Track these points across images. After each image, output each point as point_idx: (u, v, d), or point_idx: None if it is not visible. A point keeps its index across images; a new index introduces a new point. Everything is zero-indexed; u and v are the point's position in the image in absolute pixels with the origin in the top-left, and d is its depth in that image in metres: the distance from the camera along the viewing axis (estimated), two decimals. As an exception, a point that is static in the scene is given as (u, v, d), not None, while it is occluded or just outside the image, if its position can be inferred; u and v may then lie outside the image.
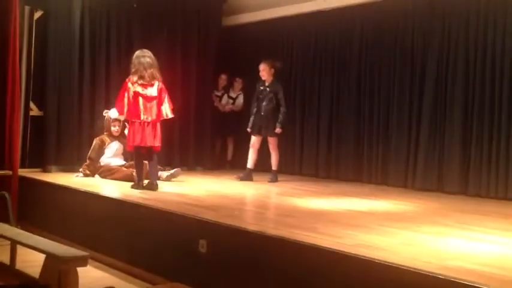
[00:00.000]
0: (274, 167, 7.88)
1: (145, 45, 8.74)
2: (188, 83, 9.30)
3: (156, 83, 6.53)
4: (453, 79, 7.31)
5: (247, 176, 7.83)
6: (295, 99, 9.21)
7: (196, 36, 9.42)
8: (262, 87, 7.85)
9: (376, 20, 8.18)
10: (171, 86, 8.92)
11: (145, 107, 6.44)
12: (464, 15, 7.25)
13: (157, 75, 6.54)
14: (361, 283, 3.60)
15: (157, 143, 6.56)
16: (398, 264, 3.44)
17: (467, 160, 7.15)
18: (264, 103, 7.77)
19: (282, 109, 7.70)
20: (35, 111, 7.92)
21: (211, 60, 9.64)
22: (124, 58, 8.54)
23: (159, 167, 7.49)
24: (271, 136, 7.79)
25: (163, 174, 7.51)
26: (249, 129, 7.95)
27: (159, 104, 6.53)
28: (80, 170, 7.54)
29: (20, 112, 7.52)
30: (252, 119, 7.91)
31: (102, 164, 7.55)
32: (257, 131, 7.87)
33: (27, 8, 7.80)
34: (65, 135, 8.05)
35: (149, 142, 6.48)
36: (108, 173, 7.42)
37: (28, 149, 7.81)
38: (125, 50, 8.56)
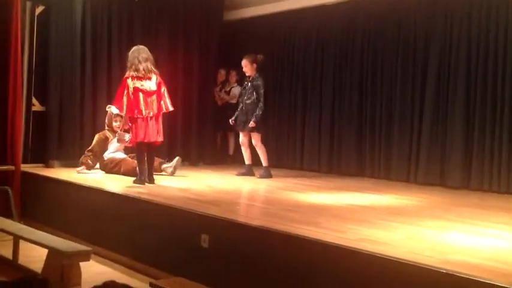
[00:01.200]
0: (264, 163, 7.76)
1: (146, 39, 8.78)
2: (190, 77, 9.30)
3: (154, 77, 6.57)
4: (455, 73, 7.30)
5: (249, 172, 7.83)
6: (296, 94, 9.20)
7: (198, 30, 9.41)
8: (246, 82, 7.85)
9: (378, 15, 8.16)
10: (172, 81, 8.96)
11: (146, 102, 6.46)
12: (467, 8, 7.23)
13: (153, 68, 6.58)
14: (363, 277, 3.60)
15: (160, 138, 6.60)
16: (401, 259, 3.45)
17: (470, 154, 7.14)
18: (245, 98, 7.77)
19: (260, 104, 7.60)
20: (37, 106, 7.93)
21: (213, 55, 9.62)
22: (125, 53, 8.49)
23: (160, 160, 7.52)
24: (249, 131, 7.72)
25: (168, 169, 7.52)
26: (231, 121, 7.91)
27: (159, 97, 6.57)
28: (81, 160, 7.45)
29: (22, 107, 7.52)
30: (236, 113, 7.89)
31: (105, 159, 7.55)
32: (239, 126, 7.83)
33: (28, 3, 7.79)
34: (67, 130, 8.05)
35: (152, 137, 6.51)
36: (112, 164, 7.41)
37: (30, 144, 7.81)
38: (126, 44, 8.53)
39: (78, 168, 7.45)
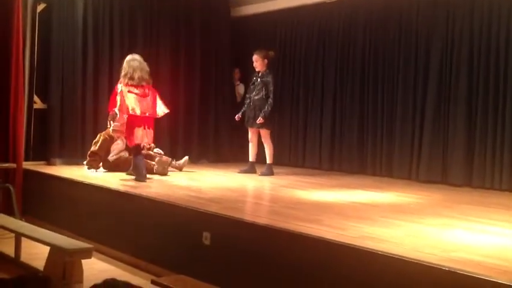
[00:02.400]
0: (268, 160, 7.73)
1: (148, 37, 8.81)
2: (192, 74, 9.29)
3: (147, 87, 6.74)
4: (457, 71, 7.28)
5: (251, 169, 7.81)
6: (298, 91, 9.19)
7: (199, 27, 9.38)
8: (254, 78, 7.79)
9: (379, 12, 8.14)
10: (174, 78, 8.98)
11: (140, 103, 6.58)
12: (468, 4, 7.21)
13: (147, 78, 6.72)
14: (365, 275, 3.60)
15: (150, 141, 6.91)
16: (403, 256, 3.44)
17: (472, 152, 7.13)
18: (253, 93, 7.72)
19: (269, 100, 7.55)
20: (38, 104, 7.93)
21: (216, 52, 9.61)
22: (127, 50, 8.52)
23: (169, 159, 7.73)
24: (258, 127, 7.68)
25: (180, 166, 7.87)
26: (236, 117, 7.87)
27: (153, 104, 6.72)
28: (90, 164, 7.45)
29: (24, 105, 7.52)
30: (243, 109, 7.86)
31: (112, 159, 7.53)
32: (248, 122, 7.80)
33: (30, 1, 7.80)
34: (69, 127, 8.05)
35: (145, 140, 6.73)
36: (127, 163, 7.41)
37: (32, 142, 7.82)
38: (128, 42, 8.56)
39: (92, 170, 7.43)
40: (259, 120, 7.54)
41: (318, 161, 8.86)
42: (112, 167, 7.45)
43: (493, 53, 6.96)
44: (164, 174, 7.38)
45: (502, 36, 6.89)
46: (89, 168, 7.42)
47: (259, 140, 7.82)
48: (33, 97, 7.84)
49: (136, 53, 8.38)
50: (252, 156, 7.88)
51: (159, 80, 8.88)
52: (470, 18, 7.19)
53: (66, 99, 8.05)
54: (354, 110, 8.41)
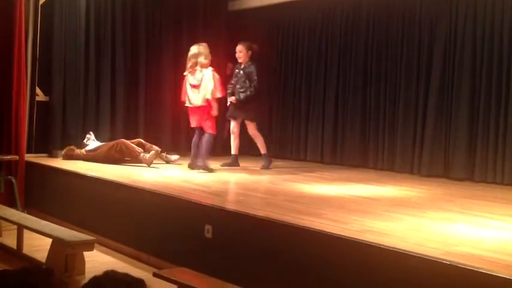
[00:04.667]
0: (262, 150, 7.61)
1: (150, 30, 8.78)
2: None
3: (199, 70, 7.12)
4: (460, 65, 7.25)
5: (234, 162, 7.63)
6: (300, 85, 9.17)
7: (202, 20, 9.36)
8: (237, 70, 7.61)
9: (382, 5, 8.11)
10: (176, 71, 8.95)
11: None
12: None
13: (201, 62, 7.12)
14: (367, 268, 3.61)
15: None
16: (405, 250, 3.45)
17: (474, 146, 7.12)
18: (237, 86, 7.52)
19: (251, 89, 7.35)
20: (40, 96, 7.92)
21: (217, 46, 9.57)
22: (129, 42, 8.52)
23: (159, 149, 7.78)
24: (246, 120, 7.54)
25: (169, 157, 7.89)
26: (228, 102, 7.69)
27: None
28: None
29: (26, 97, 7.52)
30: (229, 100, 7.61)
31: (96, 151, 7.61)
32: (232, 115, 7.63)
33: (32, -7, 7.79)
34: (71, 120, 8.05)
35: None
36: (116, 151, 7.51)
37: (34, 134, 7.82)
38: (130, 35, 8.54)
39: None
40: (232, 99, 7.41)
41: (320, 155, 8.85)
42: (106, 158, 7.49)
43: (497, 47, 6.93)
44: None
45: (505, 29, 6.85)
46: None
47: (240, 132, 7.66)
48: (35, 89, 7.84)
49: (139, 47, 8.45)
50: (234, 149, 7.68)
51: (160, 73, 8.88)
52: (474, 11, 7.15)
53: (68, 92, 8.04)
54: (356, 103, 8.40)
